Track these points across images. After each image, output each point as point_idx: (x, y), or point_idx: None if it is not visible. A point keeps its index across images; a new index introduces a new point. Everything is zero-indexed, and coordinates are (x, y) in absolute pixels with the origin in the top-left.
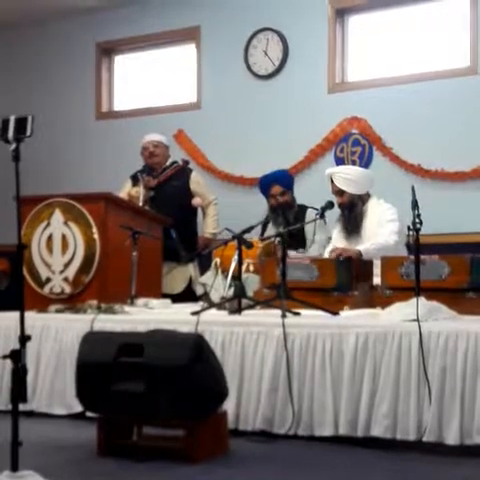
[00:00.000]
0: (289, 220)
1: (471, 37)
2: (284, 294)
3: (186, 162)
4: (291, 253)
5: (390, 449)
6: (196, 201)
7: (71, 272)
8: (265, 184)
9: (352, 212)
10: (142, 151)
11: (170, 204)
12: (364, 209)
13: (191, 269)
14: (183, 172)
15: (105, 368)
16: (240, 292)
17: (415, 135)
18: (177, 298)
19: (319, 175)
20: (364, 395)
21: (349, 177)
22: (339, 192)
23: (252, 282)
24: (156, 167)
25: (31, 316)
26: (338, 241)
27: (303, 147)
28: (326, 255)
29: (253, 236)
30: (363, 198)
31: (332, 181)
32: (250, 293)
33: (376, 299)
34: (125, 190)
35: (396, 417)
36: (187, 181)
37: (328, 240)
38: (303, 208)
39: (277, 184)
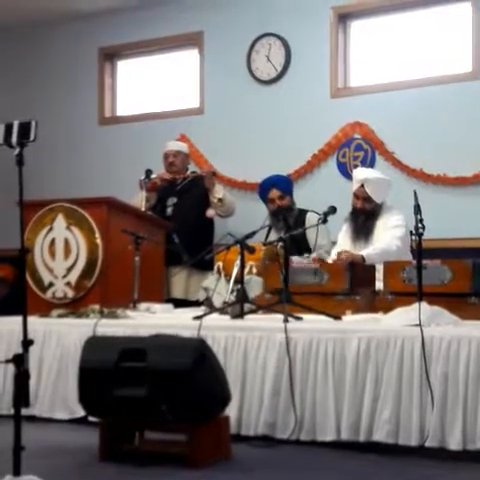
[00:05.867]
0: (290, 224)
1: (473, 42)
2: (286, 299)
3: (213, 173)
4: (295, 258)
5: (392, 454)
6: (210, 213)
7: (74, 277)
8: (264, 189)
9: (368, 220)
10: (163, 158)
11: (190, 213)
12: (378, 216)
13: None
14: (203, 182)
15: (107, 373)
16: (242, 297)
17: (417, 140)
18: (192, 306)
19: (321, 180)
20: (366, 400)
21: (380, 186)
22: (366, 199)
23: (255, 284)
24: (175, 175)
25: (34, 321)
26: (344, 243)
27: (305, 152)
28: (333, 256)
29: (256, 241)
30: (381, 206)
31: (362, 185)
32: (253, 295)
33: (378, 304)
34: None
35: (398, 422)
36: (207, 192)
37: (331, 245)
38: (303, 212)
39: (275, 188)
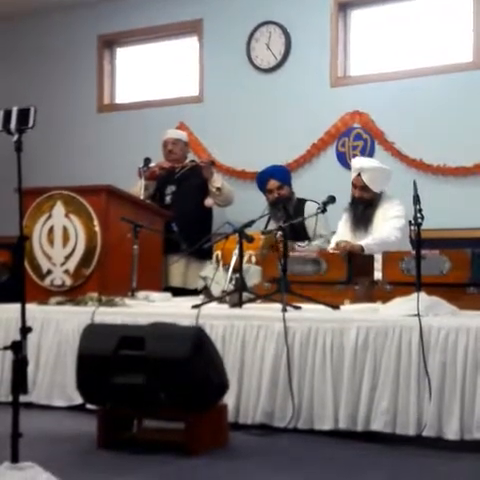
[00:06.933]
0: (290, 214)
1: (474, 32)
2: (284, 288)
3: (212, 162)
4: (295, 244)
5: (390, 444)
6: (208, 202)
7: (72, 264)
8: (262, 180)
9: (367, 209)
10: (163, 146)
11: (188, 202)
12: (377, 205)
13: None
14: (201, 171)
15: (105, 360)
16: (241, 286)
17: (417, 130)
18: (190, 294)
19: (321, 169)
20: (364, 389)
21: (377, 175)
22: (364, 188)
23: (254, 273)
24: (174, 164)
25: (32, 308)
26: (344, 232)
27: (305, 141)
28: (332, 246)
29: (254, 230)
30: (380, 196)
31: (359, 174)
32: (251, 284)
33: (377, 294)
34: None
35: (396, 412)
36: (205, 180)
37: (331, 234)
38: (302, 201)
39: (273, 179)
